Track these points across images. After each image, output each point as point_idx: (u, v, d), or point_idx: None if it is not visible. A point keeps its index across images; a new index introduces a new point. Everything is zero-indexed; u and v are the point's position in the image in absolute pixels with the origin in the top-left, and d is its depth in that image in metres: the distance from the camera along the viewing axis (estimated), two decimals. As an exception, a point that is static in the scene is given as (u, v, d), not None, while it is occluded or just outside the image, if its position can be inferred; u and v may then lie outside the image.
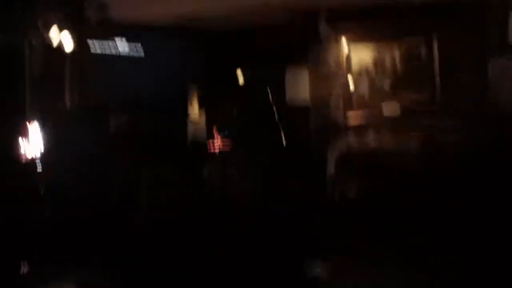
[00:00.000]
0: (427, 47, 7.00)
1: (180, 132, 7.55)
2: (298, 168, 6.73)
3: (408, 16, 6.88)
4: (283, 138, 6.56)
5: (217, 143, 7.68)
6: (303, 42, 7.26)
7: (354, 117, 7.12)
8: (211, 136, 7.77)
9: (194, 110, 7.94)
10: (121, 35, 7.14)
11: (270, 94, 6.68)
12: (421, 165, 6.55)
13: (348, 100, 7.16)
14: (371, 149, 6.94)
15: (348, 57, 7.21)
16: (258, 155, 6.54)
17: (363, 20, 7.03)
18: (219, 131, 7.75)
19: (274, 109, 6.61)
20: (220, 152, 7.57)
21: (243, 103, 6.90)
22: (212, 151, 7.63)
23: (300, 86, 7.23)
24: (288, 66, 7.30)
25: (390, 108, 7.02)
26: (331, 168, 6.99)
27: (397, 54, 7.08)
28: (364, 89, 7.14)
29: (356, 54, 7.20)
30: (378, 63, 7.14)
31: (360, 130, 7.07)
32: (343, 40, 7.25)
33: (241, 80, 6.93)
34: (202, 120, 8.02)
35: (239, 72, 6.85)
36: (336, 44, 7.25)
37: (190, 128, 7.83)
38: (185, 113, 7.70)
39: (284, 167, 6.55)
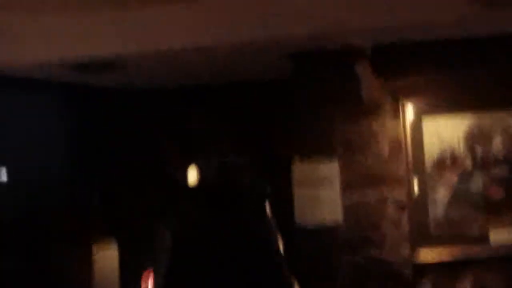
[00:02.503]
0: None
1: (76, 273, 4.63)
2: None
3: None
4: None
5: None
6: (323, 107, 4.14)
7: (433, 257, 4.22)
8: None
9: (99, 234, 4.94)
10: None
11: (264, 204, 3.40)
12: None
13: (421, 224, 4.17)
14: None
15: (418, 137, 4.16)
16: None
17: (446, 70, 3.99)
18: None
19: (272, 236, 3.38)
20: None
21: (200, 221, 3.55)
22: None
23: (322, 197, 4.13)
24: (295, 150, 4.24)
25: (502, 237, 4.11)
26: None
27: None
28: (450, 200, 4.18)
29: (433, 133, 4.21)
30: (478, 151, 4.17)
31: (445, 280, 4.18)
32: (409, 106, 4.20)
33: (194, 176, 3.80)
34: (114, 254, 4.95)
35: (192, 170, 3.73)
36: (395, 112, 4.13)
37: (97, 268, 4.79)
38: (84, 240, 4.82)
39: None
